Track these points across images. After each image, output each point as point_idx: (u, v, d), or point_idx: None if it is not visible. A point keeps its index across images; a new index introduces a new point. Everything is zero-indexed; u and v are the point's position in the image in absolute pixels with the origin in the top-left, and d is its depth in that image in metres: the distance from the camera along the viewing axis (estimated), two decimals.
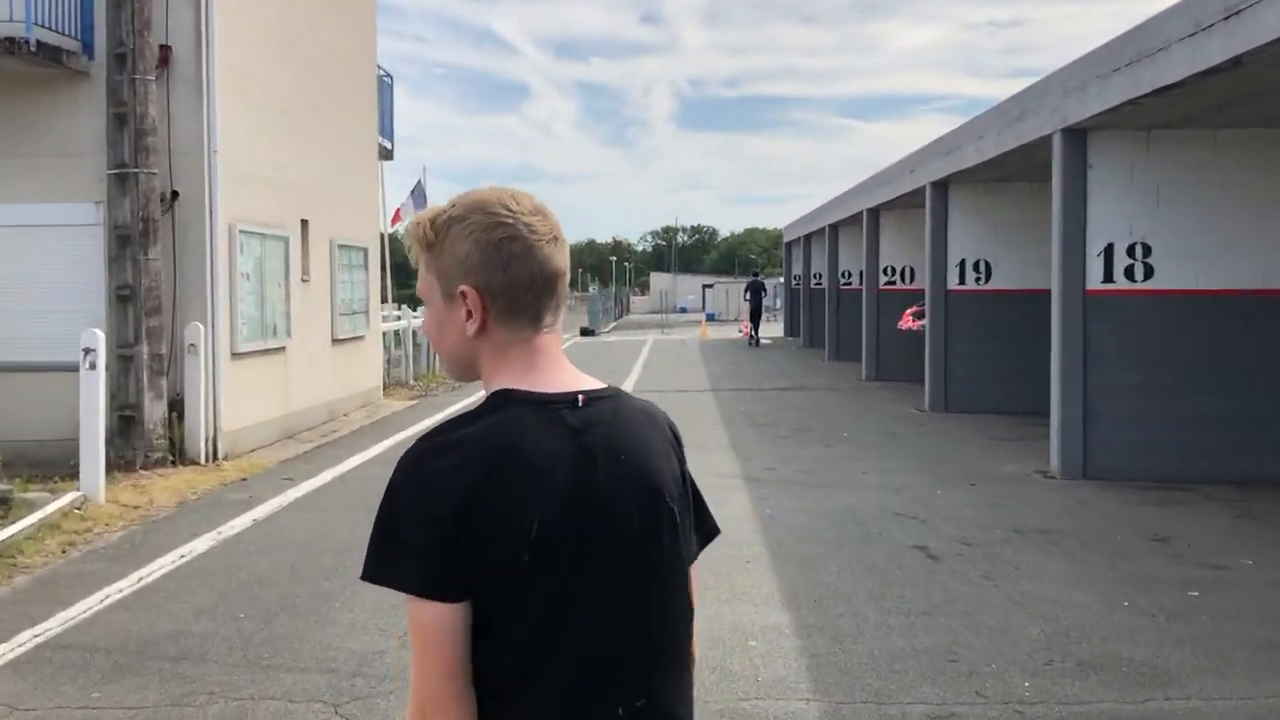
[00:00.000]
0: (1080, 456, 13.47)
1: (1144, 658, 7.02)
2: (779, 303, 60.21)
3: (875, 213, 26.57)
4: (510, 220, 2.15)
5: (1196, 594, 8.44)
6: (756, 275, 46.25)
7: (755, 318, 42.88)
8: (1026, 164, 16.71)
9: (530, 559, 2.02)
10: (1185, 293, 13.34)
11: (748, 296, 43.74)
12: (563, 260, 2.22)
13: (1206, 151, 13.22)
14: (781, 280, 57.47)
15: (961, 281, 20.26)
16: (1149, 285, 13.39)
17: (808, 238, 39.95)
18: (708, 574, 8.91)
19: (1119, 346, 13.45)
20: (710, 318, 74.56)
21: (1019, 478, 13.49)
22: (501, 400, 2.14)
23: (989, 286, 20.18)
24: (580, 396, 2.17)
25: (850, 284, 32.07)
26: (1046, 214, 15.81)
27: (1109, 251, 13.45)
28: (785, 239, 49.55)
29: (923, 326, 21.28)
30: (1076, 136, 13.42)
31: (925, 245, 20.73)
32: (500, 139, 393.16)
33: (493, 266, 2.14)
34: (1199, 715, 6.11)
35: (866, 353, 26.98)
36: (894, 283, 26.63)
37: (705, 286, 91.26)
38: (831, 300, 33.20)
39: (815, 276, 39.01)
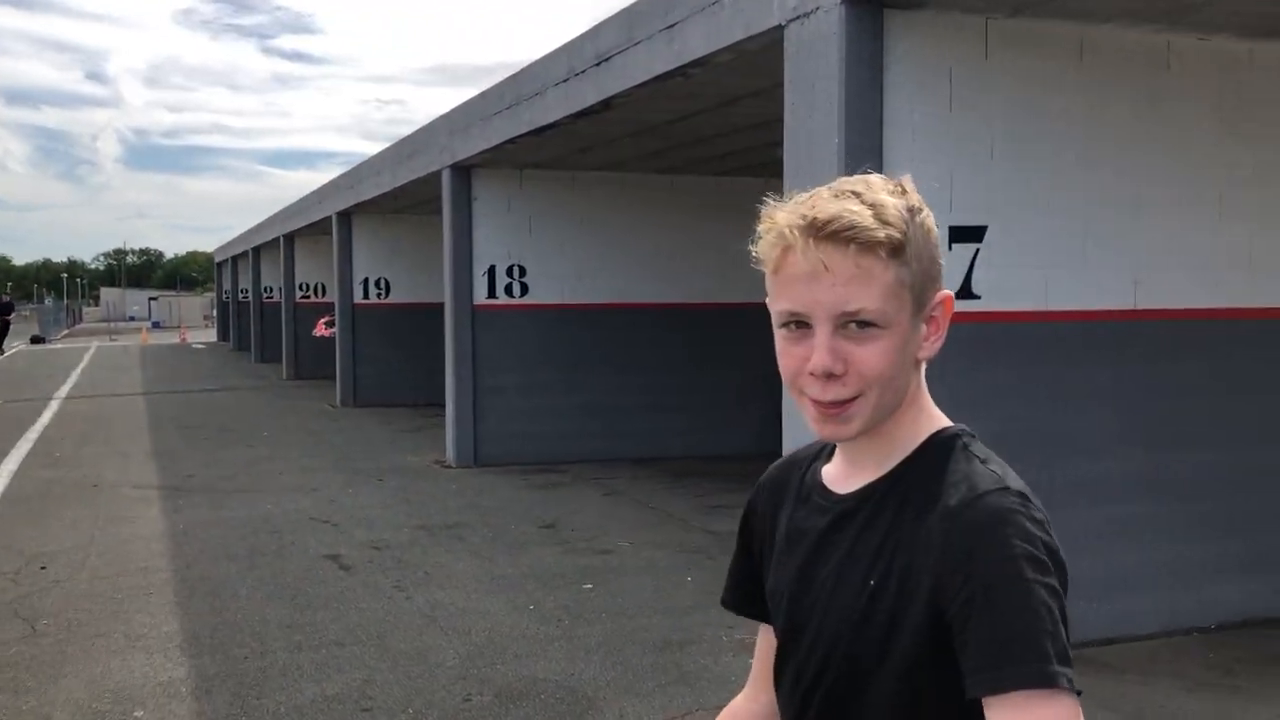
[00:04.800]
0: (472, 447, 11.81)
1: (559, 677, 5.30)
2: (214, 311, 54.90)
3: (290, 238, 23.74)
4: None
5: (591, 587, 6.90)
6: (4, 297, 41.66)
7: (2, 334, 36.85)
8: (421, 197, 14.83)
9: None
10: (555, 306, 12.05)
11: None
12: None
13: (566, 190, 12.03)
14: (213, 294, 52.61)
15: (365, 296, 18.18)
16: (525, 300, 11.98)
17: (235, 259, 36.11)
18: (104, 615, 6.30)
19: (502, 351, 11.93)
20: (155, 325, 66.80)
21: (421, 470, 11.60)
22: (969, 435, 1.33)
23: (389, 300, 18.27)
24: None
25: (272, 297, 29.08)
26: (437, 239, 14.09)
27: (491, 272, 11.89)
28: (217, 259, 44.98)
29: (334, 333, 18.99)
30: (462, 172, 11.72)
31: (334, 265, 18.38)
32: None
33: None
34: None
35: (286, 355, 24.17)
36: (308, 296, 24.04)
37: (150, 299, 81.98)
38: (256, 311, 30.01)
39: (242, 291, 35.37)
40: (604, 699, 5.00)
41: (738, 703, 1.58)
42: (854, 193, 1.24)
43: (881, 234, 1.22)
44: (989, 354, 5.45)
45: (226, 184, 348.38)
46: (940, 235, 1.31)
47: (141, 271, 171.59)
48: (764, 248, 1.26)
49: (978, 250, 5.40)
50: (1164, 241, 5.84)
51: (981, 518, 1.17)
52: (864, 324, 1.23)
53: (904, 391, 1.29)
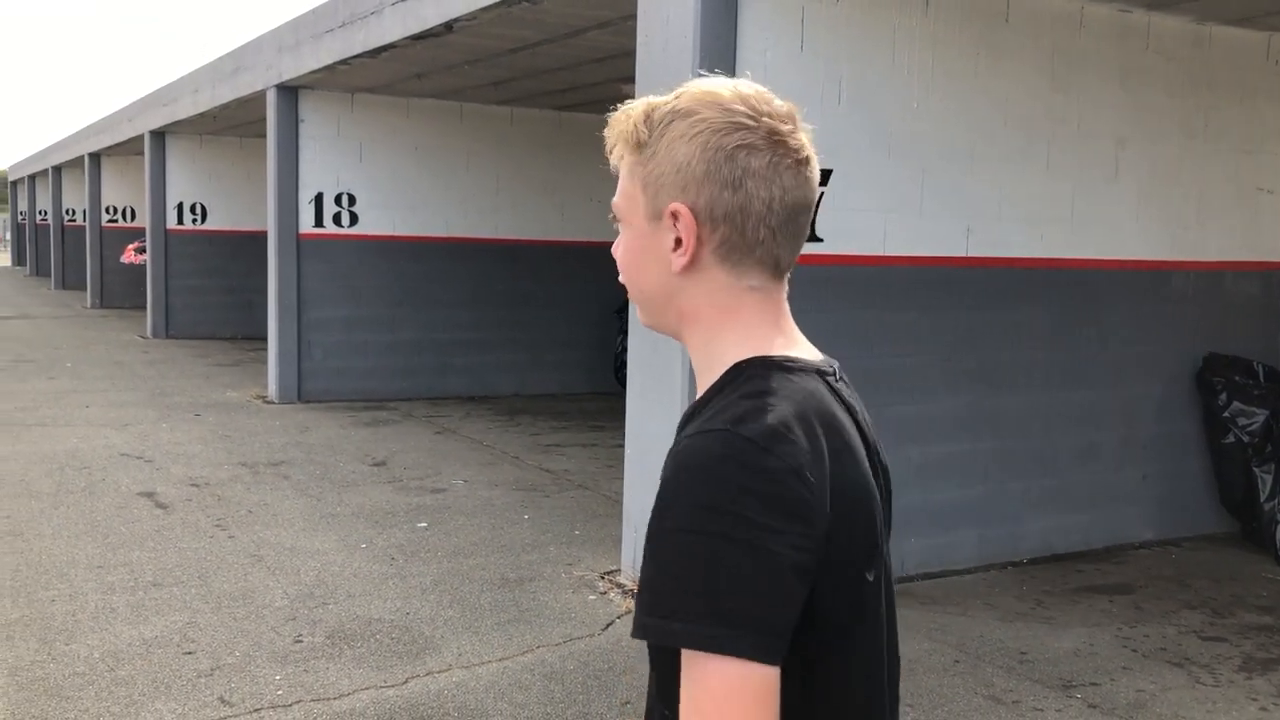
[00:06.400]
0: (296, 383, 11.38)
1: (395, 617, 5.17)
2: (8, 235, 51.20)
3: (97, 157, 22.21)
4: (753, 124, 1.12)
5: (426, 526, 6.76)
6: None
7: None
8: (244, 118, 14.06)
9: (874, 577, 1.10)
10: (385, 238, 11.66)
11: None
12: (811, 190, 1.17)
13: (401, 116, 11.61)
14: (6, 216, 48.99)
15: (180, 222, 17.20)
16: (354, 231, 11.55)
17: (33, 178, 33.68)
18: None
19: (328, 284, 11.48)
20: None
21: (241, 405, 11.11)
22: (775, 368, 1.14)
23: (206, 227, 17.34)
24: (834, 366, 1.21)
25: (75, 220, 27.27)
26: (259, 164, 13.45)
27: (319, 200, 11.40)
28: (11, 178, 41.73)
29: (145, 260, 17.93)
30: (290, 93, 11.15)
31: (146, 188, 17.30)
32: None
33: (720, 183, 1.12)
34: (465, 690, 4.39)
35: (91, 283, 22.70)
36: (116, 221, 22.58)
37: None
38: (57, 235, 28.08)
39: (41, 213, 33.06)
40: (441, 638, 4.90)
41: None
42: (668, 92, 1.22)
43: (621, 128, 1.21)
44: (827, 296, 5.53)
45: None
46: None
47: None
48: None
49: (822, 194, 5.43)
50: (995, 192, 6.02)
51: (679, 458, 1.08)
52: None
53: (668, 302, 1.21)
